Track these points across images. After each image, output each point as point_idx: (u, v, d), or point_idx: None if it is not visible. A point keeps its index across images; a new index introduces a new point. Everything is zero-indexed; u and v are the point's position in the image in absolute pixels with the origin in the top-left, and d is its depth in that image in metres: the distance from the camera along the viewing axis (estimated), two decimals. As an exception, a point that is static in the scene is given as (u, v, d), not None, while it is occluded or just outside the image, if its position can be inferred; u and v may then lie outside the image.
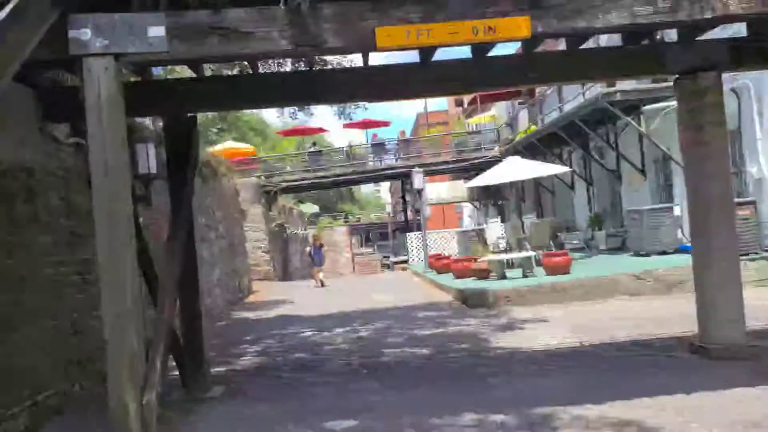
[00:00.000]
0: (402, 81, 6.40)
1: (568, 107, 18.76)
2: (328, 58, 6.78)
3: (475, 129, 29.39)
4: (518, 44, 6.89)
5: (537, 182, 24.50)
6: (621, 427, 4.88)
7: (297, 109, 11.01)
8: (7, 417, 5.30)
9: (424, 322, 10.50)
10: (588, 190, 21.23)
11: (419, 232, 25.36)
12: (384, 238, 76.50)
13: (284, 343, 9.69)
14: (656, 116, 15.65)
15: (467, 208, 41.48)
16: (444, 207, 40.45)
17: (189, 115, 6.84)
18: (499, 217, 26.21)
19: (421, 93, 6.43)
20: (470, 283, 13.36)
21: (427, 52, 6.26)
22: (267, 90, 6.55)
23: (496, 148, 26.20)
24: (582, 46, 6.89)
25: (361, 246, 76.17)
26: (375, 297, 15.20)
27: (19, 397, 5.53)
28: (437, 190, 31.28)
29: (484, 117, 29.05)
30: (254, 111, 39.17)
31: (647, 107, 15.50)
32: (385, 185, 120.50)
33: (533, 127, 23.52)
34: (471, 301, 11.69)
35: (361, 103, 10.79)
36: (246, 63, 6.72)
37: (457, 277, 14.96)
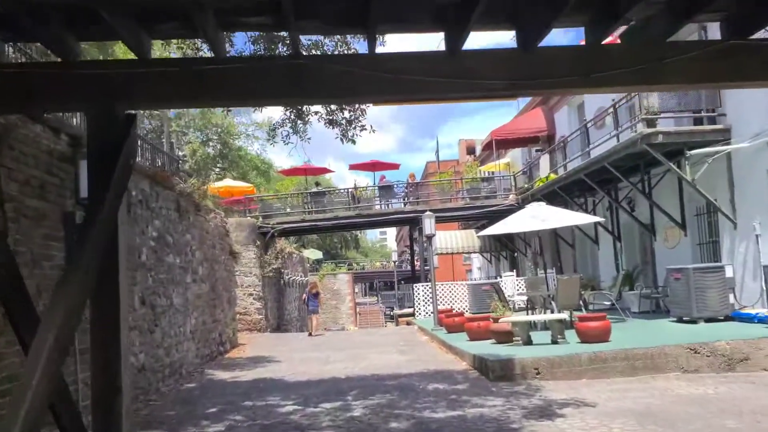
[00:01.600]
0: (421, 72, 4.53)
1: (597, 152, 16.87)
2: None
3: (488, 176, 27.57)
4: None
5: (555, 234, 22.52)
6: None
7: (291, 130, 9.16)
8: None
9: (435, 399, 8.38)
10: (615, 245, 19.21)
11: (427, 283, 23.26)
12: (389, 287, 74.11)
13: (255, 422, 7.57)
14: (702, 163, 13.77)
15: (477, 260, 39.40)
16: (453, 257, 38.35)
17: (126, 112, 4.94)
18: (514, 270, 24.13)
19: (445, 91, 4.54)
20: (489, 348, 11.24)
21: (454, 38, 4.45)
22: (238, 81, 4.70)
23: (512, 196, 24.31)
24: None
25: (365, 295, 73.84)
26: (375, 358, 13.07)
27: None
28: (446, 239, 29.29)
29: (499, 165, 27.23)
30: (250, 144, 37.52)
31: (693, 152, 13.62)
32: (392, 233, 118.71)
33: (552, 176, 21.68)
34: (493, 372, 9.56)
35: (368, 126, 8.91)
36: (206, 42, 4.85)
37: (472, 339, 12.85)
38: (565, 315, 11.04)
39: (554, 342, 10.89)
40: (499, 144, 25.13)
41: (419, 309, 22.70)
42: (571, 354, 9.71)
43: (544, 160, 21.11)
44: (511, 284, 21.86)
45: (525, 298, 17.83)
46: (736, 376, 9.34)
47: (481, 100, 4.88)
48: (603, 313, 11.49)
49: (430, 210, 19.62)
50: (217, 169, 36.96)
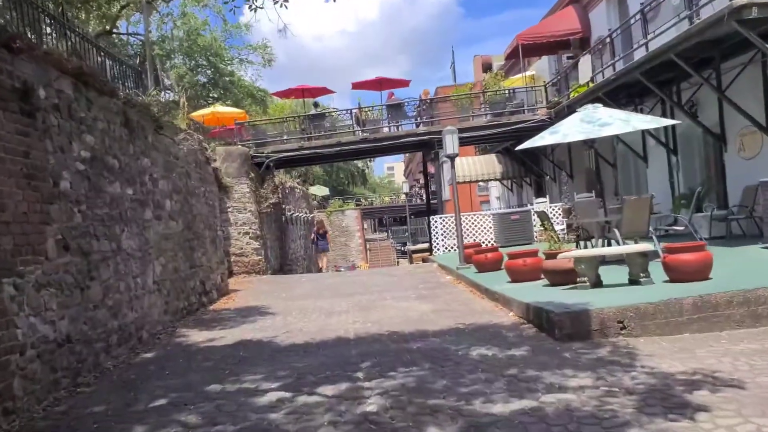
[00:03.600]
0: None
1: (656, 43, 13.68)
2: None
3: (510, 92, 24.19)
4: None
5: (595, 152, 19.56)
6: None
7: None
8: None
9: (486, 376, 5.65)
10: (669, 160, 16.26)
11: (447, 215, 20.49)
12: (399, 222, 71.61)
13: (214, 427, 4.88)
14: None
15: (495, 189, 36.48)
16: (469, 187, 35.38)
17: None
18: (547, 197, 21.18)
19: None
20: (544, 292, 8.50)
21: None
22: None
23: (542, 111, 21.13)
24: None
25: (374, 231, 71.35)
26: (392, 307, 10.37)
27: None
28: (463, 166, 26.25)
29: (525, 77, 23.79)
30: (244, 69, 34.21)
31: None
32: (399, 169, 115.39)
33: (590, 84, 18.54)
34: (561, 328, 6.81)
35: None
36: None
37: (515, 280, 10.11)
38: (649, 246, 8.20)
39: (634, 282, 8.11)
40: (526, 50, 21.80)
41: (437, 244, 20.00)
42: (667, 300, 6.91)
43: (585, 63, 17.89)
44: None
45: (564, 226, 15.09)
46: None
47: None
48: (702, 241, 8.63)
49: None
50: (211, 100, 33.82)
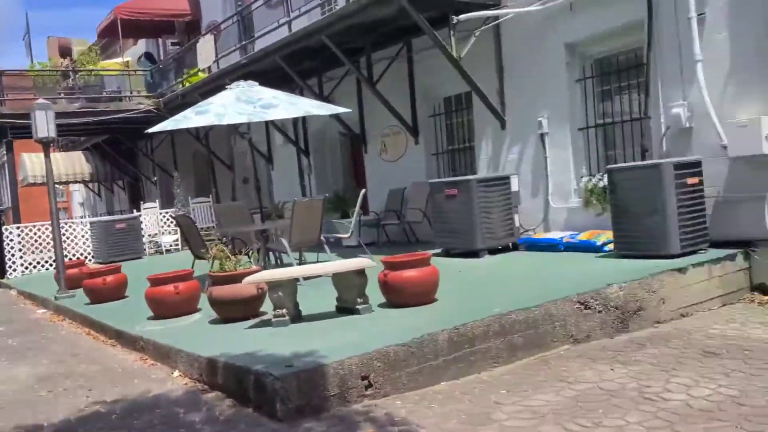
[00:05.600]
0: None
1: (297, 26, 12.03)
2: None
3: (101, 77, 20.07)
4: None
5: (208, 149, 17.23)
6: None
7: None
8: None
9: None
10: (300, 163, 14.90)
11: (28, 224, 15.77)
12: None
13: None
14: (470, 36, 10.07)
15: (78, 194, 31.17)
16: (42, 189, 29.40)
17: None
18: (157, 201, 17.86)
19: None
20: (222, 335, 5.75)
21: None
22: None
23: (149, 102, 17.80)
24: None
25: None
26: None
27: None
28: (35, 164, 21.15)
29: (121, 64, 20.01)
30: None
31: (462, 17, 9.76)
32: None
33: (201, 75, 16.20)
34: (285, 399, 4.06)
35: None
36: None
37: (159, 315, 7.00)
38: (370, 260, 6.12)
39: (348, 310, 5.95)
40: (126, 29, 18.17)
41: (13, 263, 15.16)
42: (421, 337, 4.94)
43: (205, 46, 15.34)
44: (155, 220, 16.00)
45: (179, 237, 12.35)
46: (634, 339, 5.85)
47: None
48: (424, 252, 6.90)
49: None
50: None
